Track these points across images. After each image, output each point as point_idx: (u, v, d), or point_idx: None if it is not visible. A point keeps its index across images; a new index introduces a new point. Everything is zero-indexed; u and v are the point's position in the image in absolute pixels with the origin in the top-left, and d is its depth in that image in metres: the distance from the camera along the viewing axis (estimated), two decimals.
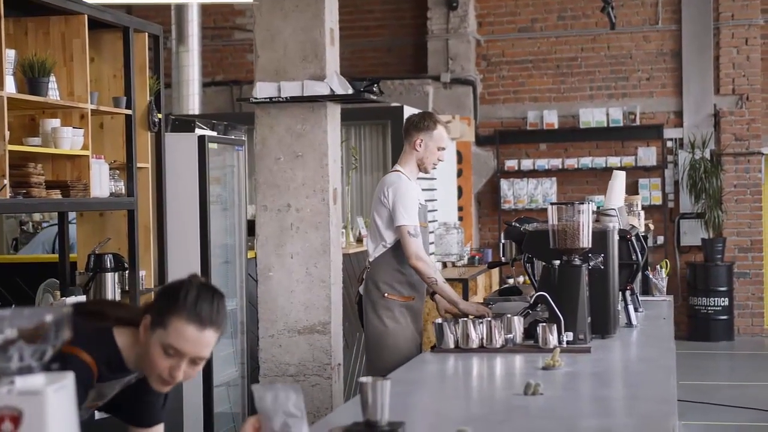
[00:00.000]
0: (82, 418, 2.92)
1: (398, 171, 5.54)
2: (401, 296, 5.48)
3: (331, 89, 5.76)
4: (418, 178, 5.66)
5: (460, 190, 13.00)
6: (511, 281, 10.11)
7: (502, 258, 5.40)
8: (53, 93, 5.21)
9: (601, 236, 4.85)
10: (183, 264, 6.49)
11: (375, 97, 6.05)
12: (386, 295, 5.48)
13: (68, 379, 1.87)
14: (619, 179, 6.04)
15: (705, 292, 12.89)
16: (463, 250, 10.83)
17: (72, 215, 6.37)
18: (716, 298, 12.87)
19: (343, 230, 8.43)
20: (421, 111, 6.32)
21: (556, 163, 13.50)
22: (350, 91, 5.81)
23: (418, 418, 3.33)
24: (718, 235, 13.09)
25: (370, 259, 5.57)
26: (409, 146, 5.56)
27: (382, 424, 2.90)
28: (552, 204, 4.74)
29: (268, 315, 5.88)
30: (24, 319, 1.89)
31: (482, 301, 6.39)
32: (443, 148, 5.57)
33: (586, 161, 13.42)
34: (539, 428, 3.15)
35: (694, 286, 12.99)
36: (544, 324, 4.50)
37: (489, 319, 4.61)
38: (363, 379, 2.90)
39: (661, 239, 13.19)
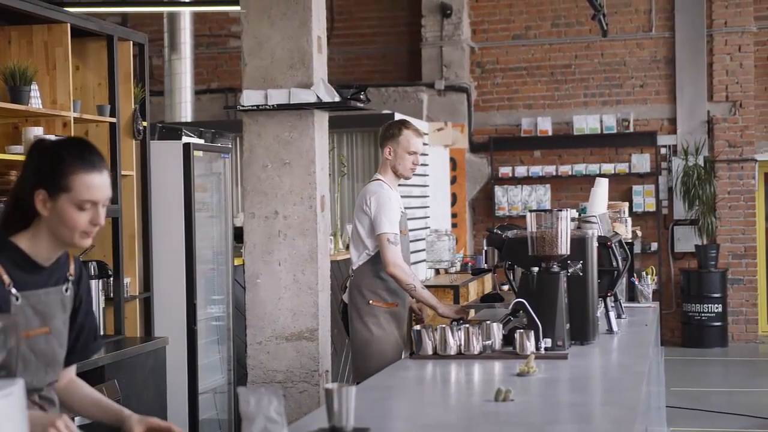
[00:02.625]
0: (35, 346, 2.89)
1: (379, 180, 5.58)
2: (385, 303, 5.52)
3: (318, 97, 5.77)
4: (400, 185, 5.70)
5: (454, 196, 13.01)
6: (505, 288, 10.11)
7: (484, 265, 5.41)
8: (35, 101, 5.23)
9: (579, 243, 4.85)
10: (168, 271, 6.51)
11: (362, 105, 6.06)
12: (371, 302, 5.51)
13: (17, 386, 1.88)
14: (602, 186, 6.06)
15: (699, 299, 12.88)
16: (455, 257, 10.84)
17: None
18: (710, 305, 12.86)
19: (332, 237, 8.45)
20: (391, 120, 6.29)
21: (550, 170, 13.49)
22: (337, 98, 5.81)
23: (386, 425, 3.34)
24: (711, 241, 13.09)
25: (354, 267, 5.60)
26: (383, 156, 5.63)
27: (347, 431, 2.92)
28: (531, 211, 4.75)
29: (255, 322, 5.89)
30: None
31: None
32: (414, 153, 5.60)
33: (580, 168, 13.42)
34: None
35: (688, 293, 12.99)
36: (522, 330, 4.51)
37: (467, 326, 4.62)
38: (328, 385, 2.93)
39: (654, 246, 13.19)
